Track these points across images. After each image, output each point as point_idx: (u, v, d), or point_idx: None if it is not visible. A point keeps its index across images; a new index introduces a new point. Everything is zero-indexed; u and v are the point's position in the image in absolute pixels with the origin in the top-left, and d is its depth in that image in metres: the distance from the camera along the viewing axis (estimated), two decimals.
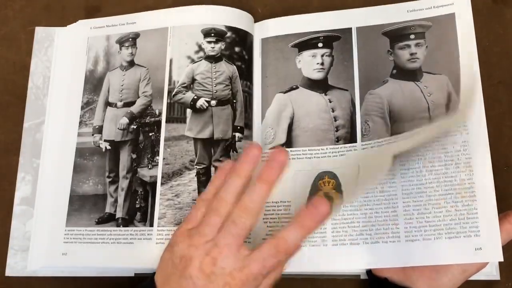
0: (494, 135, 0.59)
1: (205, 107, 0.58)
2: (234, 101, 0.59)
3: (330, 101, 0.59)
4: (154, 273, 0.47)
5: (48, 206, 0.57)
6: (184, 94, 0.59)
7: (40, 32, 0.64)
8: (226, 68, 0.60)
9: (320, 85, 0.60)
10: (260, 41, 0.62)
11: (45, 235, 0.56)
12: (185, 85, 0.59)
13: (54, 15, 0.66)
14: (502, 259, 0.50)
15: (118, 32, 0.63)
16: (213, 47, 0.60)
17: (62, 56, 0.63)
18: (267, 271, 0.44)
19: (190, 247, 0.45)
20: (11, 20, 0.66)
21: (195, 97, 0.59)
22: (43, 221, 0.56)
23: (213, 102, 0.59)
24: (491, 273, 0.54)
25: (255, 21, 0.63)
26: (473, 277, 0.54)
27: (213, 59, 0.60)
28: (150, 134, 0.59)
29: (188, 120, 0.59)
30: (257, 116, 0.60)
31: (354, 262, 0.53)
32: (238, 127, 0.59)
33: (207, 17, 0.61)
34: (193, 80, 0.59)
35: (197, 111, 0.59)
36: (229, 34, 0.61)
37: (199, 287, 0.44)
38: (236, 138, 0.58)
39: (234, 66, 0.60)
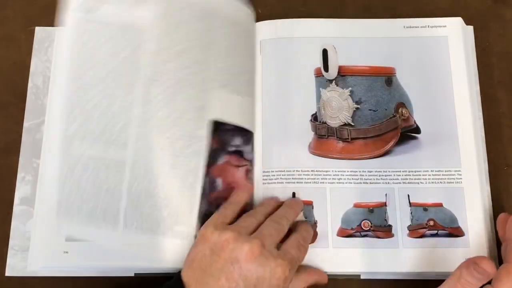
0: (494, 135, 0.59)
1: None
2: None
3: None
4: (178, 272, 0.47)
5: (49, 206, 0.57)
6: None
7: (40, 32, 0.64)
8: None
9: None
10: (260, 42, 0.62)
11: (46, 235, 0.55)
12: None
13: (54, 15, 0.66)
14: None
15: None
16: None
17: (62, 55, 0.62)
18: (302, 259, 0.49)
19: (233, 232, 0.46)
20: (11, 20, 0.66)
21: None
22: (43, 221, 0.56)
23: None
24: None
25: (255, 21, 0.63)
26: None
27: None
28: None
29: None
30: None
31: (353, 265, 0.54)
32: None
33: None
34: None
35: None
36: None
37: (248, 271, 0.44)
38: None
39: None
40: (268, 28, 0.62)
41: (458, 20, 0.62)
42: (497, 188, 0.58)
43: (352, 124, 0.58)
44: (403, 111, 0.58)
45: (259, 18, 0.63)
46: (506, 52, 0.63)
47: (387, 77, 0.59)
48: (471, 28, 0.63)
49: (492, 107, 0.61)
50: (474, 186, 0.56)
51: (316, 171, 0.57)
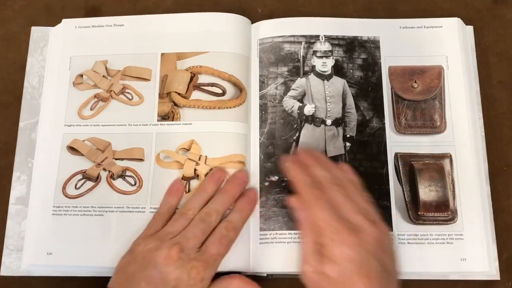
0: (494, 135, 0.59)
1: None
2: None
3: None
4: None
5: (42, 205, 0.56)
6: None
7: (36, 31, 0.64)
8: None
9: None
10: (258, 41, 0.62)
11: (40, 234, 0.55)
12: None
13: (54, 15, 0.66)
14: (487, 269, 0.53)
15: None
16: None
17: (53, 55, 0.62)
18: (224, 251, 0.49)
19: (156, 242, 0.48)
20: (11, 20, 0.66)
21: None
22: (37, 220, 0.56)
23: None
24: (491, 273, 0.54)
25: (256, 21, 0.63)
26: (473, 277, 0.54)
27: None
28: None
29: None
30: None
31: None
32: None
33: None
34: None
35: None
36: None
37: (166, 274, 0.46)
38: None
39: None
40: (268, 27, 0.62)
41: (455, 21, 0.61)
42: (497, 188, 0.57)
43: None
44: None
45: (259, 17, 0.63)
46: (506, 52, 0.63)
47: None
48: (471, 28, 0.63)
49: (492, 107, 0.60)
50: (474, 186, 0.55)
51: None
